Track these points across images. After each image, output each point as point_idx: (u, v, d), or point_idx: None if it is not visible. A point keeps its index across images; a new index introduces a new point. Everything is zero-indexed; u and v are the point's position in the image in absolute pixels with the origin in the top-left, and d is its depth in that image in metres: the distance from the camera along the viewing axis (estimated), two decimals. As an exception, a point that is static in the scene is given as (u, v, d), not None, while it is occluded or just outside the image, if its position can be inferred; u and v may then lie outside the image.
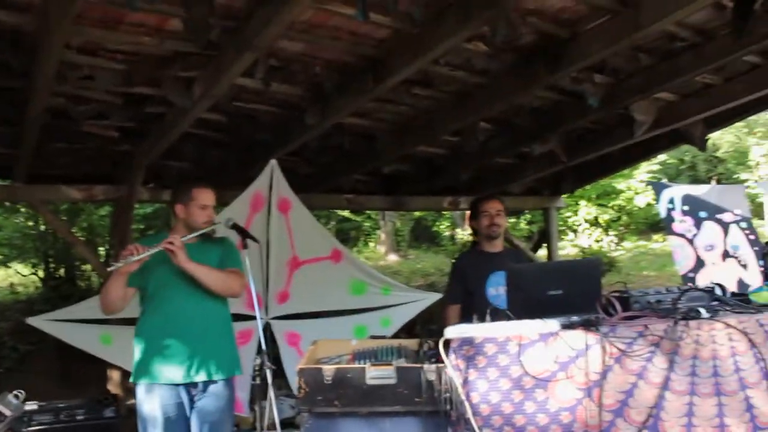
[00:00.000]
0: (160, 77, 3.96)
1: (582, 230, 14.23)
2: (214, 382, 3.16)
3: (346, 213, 14.10)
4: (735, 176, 17.27)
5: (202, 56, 3.72)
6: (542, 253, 8.59)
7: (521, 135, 5.63)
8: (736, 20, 3.74)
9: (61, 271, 9.82)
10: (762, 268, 5.54)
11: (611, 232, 14.18)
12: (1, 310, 9.19)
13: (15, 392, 3.40)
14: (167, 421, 3.08)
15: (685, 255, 5.86)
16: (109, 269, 3.16)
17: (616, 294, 2.71)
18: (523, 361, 2.49)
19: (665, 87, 4.69)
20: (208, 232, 3.30)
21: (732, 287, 4.19)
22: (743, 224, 6.16)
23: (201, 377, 3.12)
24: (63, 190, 5.54)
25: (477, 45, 3.93)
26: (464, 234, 14.23)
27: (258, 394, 3.11)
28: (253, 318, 3.19)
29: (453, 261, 4.36)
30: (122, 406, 4.88)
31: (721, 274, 5.61)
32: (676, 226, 5.95)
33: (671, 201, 6.02)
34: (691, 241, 5.91)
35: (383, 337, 3.45)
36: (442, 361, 2.52)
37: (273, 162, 5.06)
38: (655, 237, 16.23)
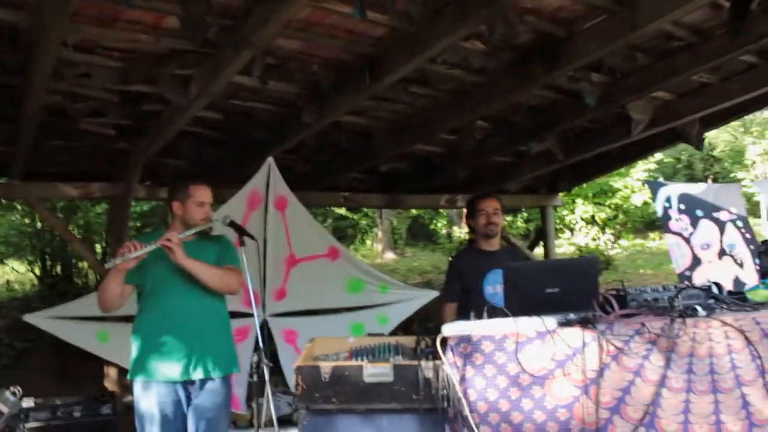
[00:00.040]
0: (156, 75, 3.95)
1: (579, 228, 14.24)
2: (212, 379, 3.16)
3: (343, 211, 14.09)
4: (731, 175, 17.32)
5: (199, 54, 3.71)
6: (539, 251, 8.60)
7: (518, 133, 5.64)
8: (733, 20, 3.76)
9: (58, 269, 9.80)
10: (758, 267, 5.55)
11: (608, 231, 14.20)
12: (-2, 308, 9.18)
13: (12, 389, 3.39)
14: (165, 419, 3.08)
15: (682, 253, 5.88)
16: (106, 266, 3.16)
17: (613, 292, 2.72)
18: (520, 359, 2.50)
19: (662, 86, 4.70)
20: (206, 229, 3.30)
21: (728, 285, 4.20)
22: (739, 223, 6.18)
23: (198, 374, 3.12)
24: (60, 188, 5.53)
25: (474, 43, 3.93)
26: (461, 232, 14.23)
27: (255, 391, 3.11)
28: (251, 315, 3.19)
29: (450, 259, 4.37)
30: (119, 403, 4.88)
31: (717, 273, 5.63)
32: (673, 225, 5.97)
33: (668, 200, 6.04)
34: (687, 240, 5.92)
35: (380, 335, 3.45)
36: (440, 359, 2.52)
37: (270, 160, 5.06)
38: (652, 235, 16.26)
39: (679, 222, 5.98)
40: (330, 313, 5.71)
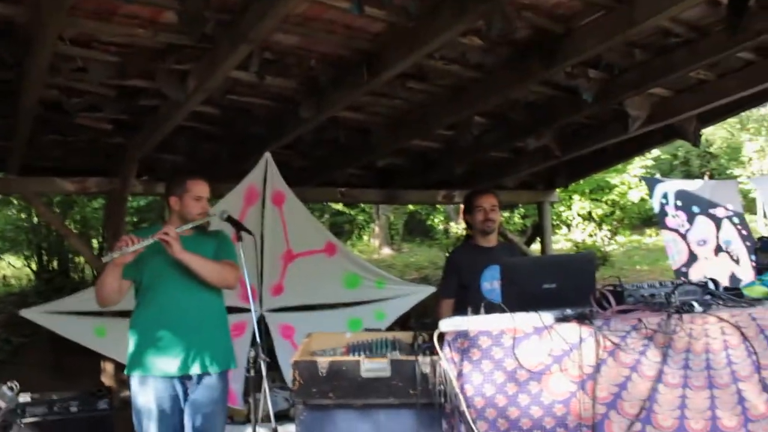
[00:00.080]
0: (153, 70, 3.94)
1: (575, 225, 14.25)
2: (209, 374, 3.16)
3: (340, 206, 14.10)
4: (728, 172, 17.37)
5: (196, 49, 3.70)
6: (536, 247, 8.62)
7: (516, 129, 5.64)
8: (731, 17, 3.76)
9: (54, 264, 9.80)
10: (754, 263, 5.58)
11: (605, 227, 14.20)
12: (-6, 303, 9.17)
13: (9, 384, 3.39)
14: (162, 414, 3.08)
15: (678, 249, 5.89)
16: (103, 260, 3.15)
17: (610, 288, 2.73)
18: (517, 354, 2.50)
19: (659, 82, 4.71)
20: (203, 224, 3.29)
21: (724, 282, 4.22)
22: (735, 219, 6.20)
23: (196, 369, 3.12)
24: (56, 183, 5.52)
25: (472, 39, 3.93)
26: (458, 228, 14.24)
27: (252, 386, 3.10)
28: (248, 310, 3.19)
29: (447, 255, 4.36)
30: (116, 398, 4.87)
31: (713, 269, 5.65)
32: (669, 221, 5.98)
33: (664, 196, 6.05)
34: (684, 236, 5.94)
35: (377, 330, 3.45)
36: (437, 354, 2.53)
37: (267, 155, 5.05)
38: (648, 232, 16.30)
39: (675, 218, 5.99)
40: (327, 308, 5.71)
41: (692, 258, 5.90)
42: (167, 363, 3.10)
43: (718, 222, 6.10)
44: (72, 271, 9.77)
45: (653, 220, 13.23)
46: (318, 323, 5.11)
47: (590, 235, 14.02)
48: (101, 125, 4.98)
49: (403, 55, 3.76)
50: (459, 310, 3.24)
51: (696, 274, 5.63)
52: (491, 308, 2.72)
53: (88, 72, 3.90)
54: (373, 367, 2.57)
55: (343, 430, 2.59)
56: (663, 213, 6.00)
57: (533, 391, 2.49)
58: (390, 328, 5.27)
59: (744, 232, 6.17)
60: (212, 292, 3.24)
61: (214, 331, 3.24)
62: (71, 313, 5.07)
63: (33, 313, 5.12)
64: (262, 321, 5.13)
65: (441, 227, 15.71)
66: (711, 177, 16.74)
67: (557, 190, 8.03)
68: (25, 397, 4.27)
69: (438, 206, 14.24)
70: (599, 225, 14.10)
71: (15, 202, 9.78)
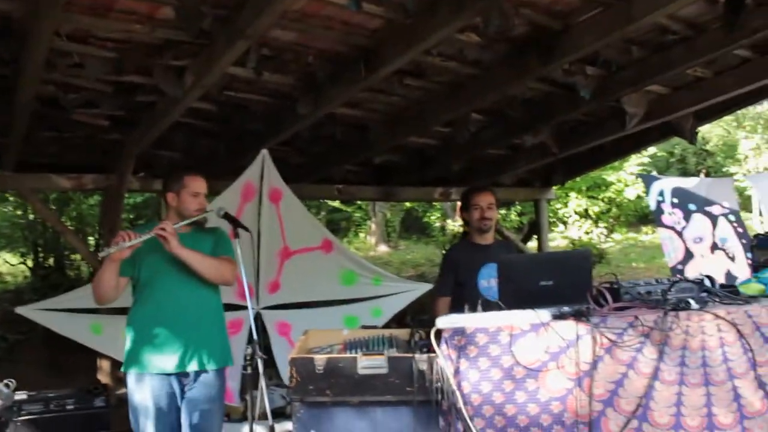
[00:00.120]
0: (150, 66, 3.93)
1: (572, 222, 14.29)
2: (206, 371, 3.15)
3: (336, 203, 14.09)
4: (724, 169, 17.43)
5: (193, 45, 3.69)
6: (532, 244, 8.63)
7: (513, 126, 5.64)
8: (728, 14, 3.77)
9: (50, 261, 9.79)
10: (749, 260, 5.59)
11: (601, 224, 14.25)
12: (-10, 300, 9.15)
13: (6, 381, 3.38)
14: (158, 411, 3.07)
15: (674, 247, 5.90)
16: (100, 255, 3.14)
17: (607, 285, 2.73)
18: (514, 351, 2.50)
19: (657, 80, 4.71)
20: (200, 220, 3.28)
21: (720, 279, 4.22)
22: (731, 217, 6.21)
23: (193, 366, 3.11)
24: (52, 179, 5.50)
25: (470, 36, 3.93)
26: (455, 225, 14.25)
27: (249, 383, 3.10)
28: (244, 308, 3.19)
29: (444, 253, 4.36)
30: (112, 395, 4.86)
31: (709, 266, 5.65)
32: (666, 219, 5.99)
33: (661, 193, 6.05)
34: (680, 234, 5.95)
35: (374, 327, 3.45)
36: (434, 351, 2.53)
37: (264, 152, 5.05)
38: (645, 229, 16.35)
39: (671, 216, 6.00)
40: (324, 305, 5.70)
41: (688, 255, 5.91)
42: (164, 360, 3.09)
43: (714, 219, 6.11)
44: (68, 269, 9.76)
45: (649, 218, 13.27)
46: (315, 320, 5.10)
47: (587, 233, 14.06)
48: (98, 121, 4.97)
49: (400, 52, 3.75)
50: (455, 308, 3.25)
51: (692, 271, 5.63)
52: (488, 305, 2.72)
53: (84, 68, 3.89)
54: (370, 364, 2.57)
55: (340, 427, 2.59)
56: (659, 210, 6.01)
57: (530, 389, 2.49)
58: (387, 326, 5.28)
59: (740, 230, 6.18)
60: (210, 288, 3.23)
61: (212, 328, 3.24)
62: (67, 310, 5.06)
63: (29, 311, 5.09)
64: (258, 318, 5.12)
65: (438, 224, 15.72)
66: (707, 174, 16.79)
67: (554, 187, 8.04)
68: (20, 395, 4.26)
69: (435, 203, 14.24)
70: (596, 222, 14.15)
71: (11, 198, 9.76)
